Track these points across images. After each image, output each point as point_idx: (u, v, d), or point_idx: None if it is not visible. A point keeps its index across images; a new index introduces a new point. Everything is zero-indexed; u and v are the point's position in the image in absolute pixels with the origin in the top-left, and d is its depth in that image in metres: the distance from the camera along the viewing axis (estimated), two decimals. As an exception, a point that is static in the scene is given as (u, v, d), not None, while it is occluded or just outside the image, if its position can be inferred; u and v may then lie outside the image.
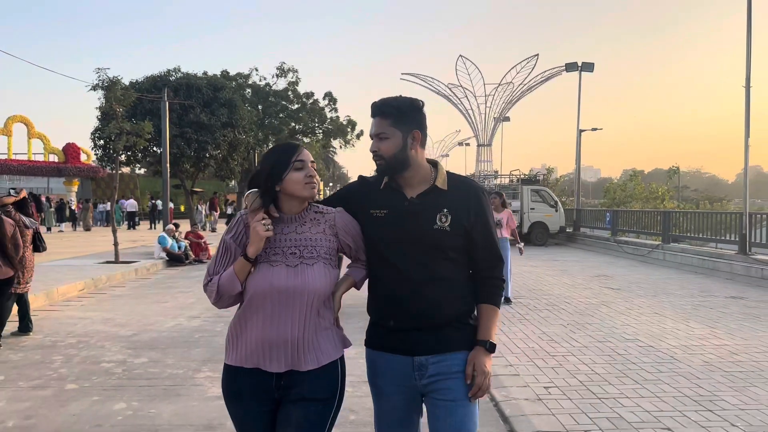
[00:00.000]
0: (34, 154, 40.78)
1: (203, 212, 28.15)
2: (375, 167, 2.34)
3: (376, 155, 2.28)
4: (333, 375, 2.23)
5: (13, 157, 40.65)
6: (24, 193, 7.46)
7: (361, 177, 2.50)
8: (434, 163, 2.37)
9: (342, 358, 2.29)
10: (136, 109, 16.88)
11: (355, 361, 3.49)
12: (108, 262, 14.17)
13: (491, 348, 2.27)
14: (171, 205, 38.57)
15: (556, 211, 22.02)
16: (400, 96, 2.37)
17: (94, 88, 14.70)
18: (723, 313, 8.52)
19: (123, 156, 17.27)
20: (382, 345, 2.30)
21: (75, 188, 42.21)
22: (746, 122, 12.31)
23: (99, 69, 13.68)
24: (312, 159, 2.27)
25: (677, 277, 12.66)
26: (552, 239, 22.23)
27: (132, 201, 34.91)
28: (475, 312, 2.34)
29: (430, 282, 2.23)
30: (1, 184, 60.13)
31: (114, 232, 14.61)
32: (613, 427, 4.18)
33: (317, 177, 2.24)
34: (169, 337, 7.21)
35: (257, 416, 2.22)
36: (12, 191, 10.83)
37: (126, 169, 52.07)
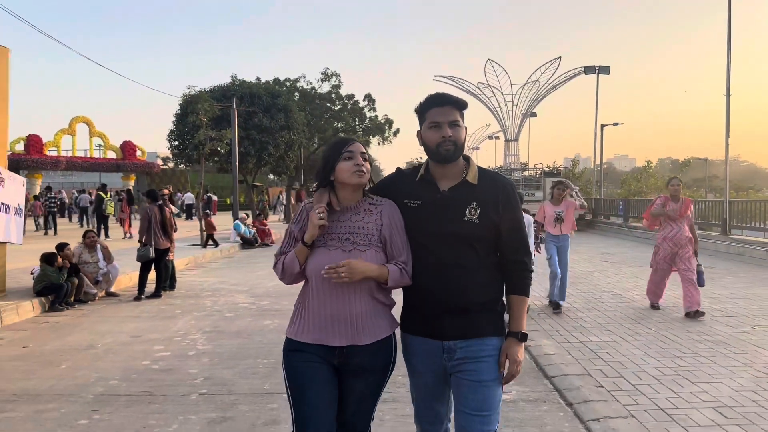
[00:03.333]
0: (95, 150, 44.32)
1: (284, 202, 31.96)
2: (439, 151, 2.40)
3: (449, 140, 2.37)
4: (388, 348, 2.46)
5: (76, 154, 44.00)
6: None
7: (398, 169, 2.65)
8: (466, 158, 2.50)
9: (394, 334, 2.51)
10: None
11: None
12: (195, 245, 17.21)
13: (523, 338, 2.43)
14: (215, 197, 41.80)
15: (577, 200, 24.43)
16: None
17: (186, 102, 17.73)
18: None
19: (196, 155, 20.27)
20: (415, 329, 2.46)
21: (132, 183, 45.57)
22: (726, 126, 14.71)
23: (189, 86, 16.77)
24: (363, 150, 2.45)
25: (668, 254, 15.13)
26: (572, 226, 24.62)
27: (189, 194, 38.29)
28: (503, 299, 2.51)
29: (457, 269, 2.36)
30: (65, 179, 64.23)
31: (201, 220, 17.67)
32: (573, 329, 6.88)
33: (367, 166, 2.41)
34: (275, 289, 10.08)
35: (317, 369, 2.39)
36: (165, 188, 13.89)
37: (163, 165, 55.47)
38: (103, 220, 20.37)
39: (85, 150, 44.39)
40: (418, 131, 2.50)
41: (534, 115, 42.44)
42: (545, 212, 8.32)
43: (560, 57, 35.71)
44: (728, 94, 14.61)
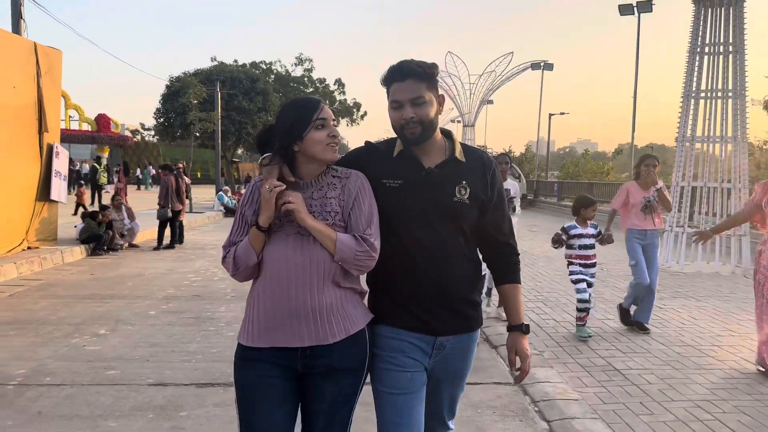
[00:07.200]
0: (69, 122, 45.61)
1: None
2: (404, 134, 2.11)
3: (413, 122, 2.08)
4: (362, 343, 2.11)
5: (53, 125, 44.78)
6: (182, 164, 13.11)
7: (368, 143, 2.34)
8: (448, 133, 2.26)
9: (367, 327, 2.15)
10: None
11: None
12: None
13: (527, 330, 2.27)
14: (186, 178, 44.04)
15: (520, 182, 27.65)
16: (419, 60, 2.17)
17: (178, 86, 20.16)
18: (585, 242, 14.28)
19: (182, 133, 22.72)
20: (405, 323, 2.16)
21: (106, 155, 47.01)
22: (633, 123, 18.01)
23: (183, 72, 19.21)
24: (333, 117, 2.12)
25: (583, 227, 18.44)
26: (516, 204, 28.10)
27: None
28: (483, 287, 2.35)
29: (450, 257, 2.15)
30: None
31: (189, 190, 20.21)
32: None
33: (339, 137, 2.09)
34: (264, 245, 12.89)
35: (273, 385, 2.05)
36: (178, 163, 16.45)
37: (135, 138, 56.67)
38: (97, 188, 22.74)
39: (62, 121, 45.50)
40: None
41: (491, 102, 45.74)
42: (630, 197, 6.19)
43: (512, 52, 39.03)
44: (635, 96, 17.84)
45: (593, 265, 5.83)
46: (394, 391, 2.15)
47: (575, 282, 5.79)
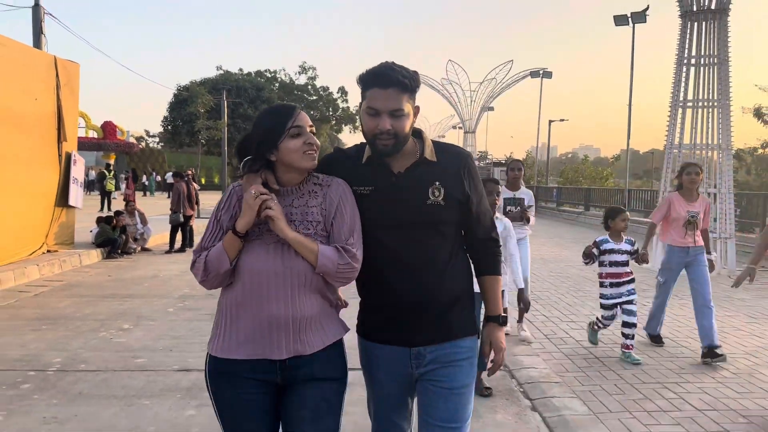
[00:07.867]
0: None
1: None
2: (376, 144, 2.03)
3: (388, 134, 1.99)
4: (340, 354, 2.11)
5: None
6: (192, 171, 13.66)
7: (338, 149, 2.31)
8: (418, 133, 2.16)
9: (343, 340, 2.14)
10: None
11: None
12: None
13: (504, 321, 2.23)
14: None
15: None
16: (401, 65, 2.06)
17: (187, 95, 20.84)
18: (583, 243, 14.76)
19: (189, 140, 23.32)
20: (376, 336, 2.17)
21: (112, 161, 47.57)
22: (628, 133, 18.54)
23: (190, 81, 19.83)
24: (310, 123, 2.05)
25: (578, 229, 18.94)
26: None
27: (170, 174, 41.18)
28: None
29: (427, 264, 2.07)
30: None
31: (197, 195, 20.77)
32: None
33: (317, 144, 2.02)
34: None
35: (253, 397, 1.99)
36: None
37: (140, 145, 57.29)
38: (106, 194, 23.34)
39: (68, 129, 45.93)
40: (360, 105, 2.10)
41: (491, 109, 46.51)
42: (672, 209, 5.62)
43: (512, 60, 39.84)
44: (630, 103, 18.40)
45: (630, 281, 5.28)
46: (372, 404, 2.29)
47: (604, 307, 5.39)
